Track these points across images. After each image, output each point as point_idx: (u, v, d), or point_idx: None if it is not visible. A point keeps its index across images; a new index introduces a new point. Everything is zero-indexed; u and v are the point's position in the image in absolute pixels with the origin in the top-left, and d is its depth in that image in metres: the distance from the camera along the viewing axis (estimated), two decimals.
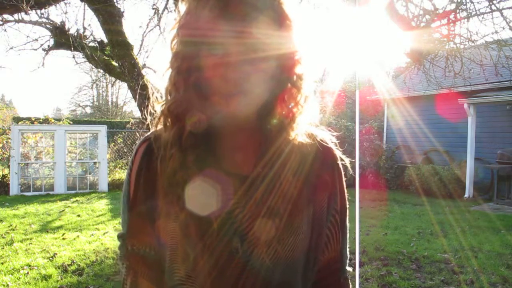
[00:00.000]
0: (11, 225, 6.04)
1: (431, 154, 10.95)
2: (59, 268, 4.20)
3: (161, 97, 0.76)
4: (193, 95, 0.71)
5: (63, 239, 5.35)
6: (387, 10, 4.77)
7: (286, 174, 0.74)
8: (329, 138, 0.83)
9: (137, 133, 11.82)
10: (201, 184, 0.73)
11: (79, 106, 30.42)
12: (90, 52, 5.39)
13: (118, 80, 7.96)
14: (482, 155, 9.28)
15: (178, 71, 0.71)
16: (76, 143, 10.91)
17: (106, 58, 5.78)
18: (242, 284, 0.72)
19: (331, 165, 0.81)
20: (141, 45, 6.62)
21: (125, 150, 11.95)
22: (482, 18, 5.03)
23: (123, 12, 5.01)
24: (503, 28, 5.03)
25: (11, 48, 6.39)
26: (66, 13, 7.35)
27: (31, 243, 5.12)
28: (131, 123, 13.11)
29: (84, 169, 10.35)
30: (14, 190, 9.07)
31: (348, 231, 0.86)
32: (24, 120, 10.17)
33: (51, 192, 9.37)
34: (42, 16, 5.83)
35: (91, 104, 30.48)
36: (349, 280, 0.88)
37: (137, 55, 5.78)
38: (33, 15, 5.53)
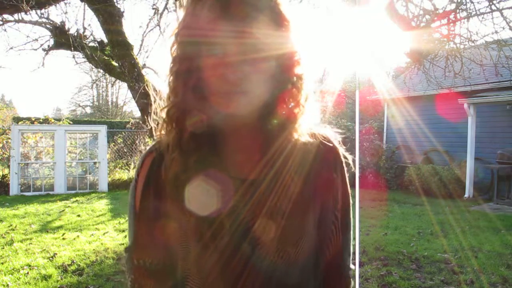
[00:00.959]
0: (11, 225, 6.04)
1: (431, 154, 10.95)
2: (59, 268, 4.20)
3: (164, 102, 0.77)
4: (192, 97, 0.71)
5: (63, 239, 5.35)
6: (387, 10, 4.77)
7: (289, 175, 0.74)
8: (333, 136, 0.82)
9: (137, 133, 11.83)
10: (203, 186, 0.73)
11: (79, 106, 30.44)
12: (90, 52, 5.39)
13: (118, 80, 7.97)
14: (482, 155, 9.28)
15: (177, 74, 0.71)
16: (76, 143, 10.91)
17: (106, 58, 5.78)
18: (244, 282, 0.72)
19: (334, 164, 0.81)
20: (141, 45, 6.64)
21: (125, 150, 11.94)
22: (482, 18, 5.03)
23: (123, 12, 5.02)
24: (503, 28, 5.03)
25: (11, 48, 6.40)
26: (66, 13, 7.36)
27: (31, 243, 5.12)
28: (131, 123, 13.10)
29: (84, 169, 10.35)
30: (14, 190, 9.07)
31: (351, 230, 0.86)
32: (24, 120, 10.18)
33: (51, 192, 9.37)
34: (42, 16, 5.83)
35: (91, 104, 30.50)
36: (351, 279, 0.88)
37: (137, 55, 5.79)
38: (33, 15, 5.54)
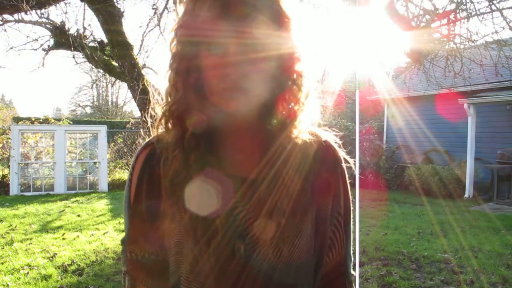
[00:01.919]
0: (11, 225, 6.04)
1: (431, 154, 10.95)
2: (59, 268, 4.20)
3: (162, 99, 0.76)
4: (192, 95, 0.70)
5: (63, 239, 5.35)
6: (387, 10, 4.78)
7: (288, 174, 0.74)
8: (333, 139, 0.82)
9: (137, 133, 11.83)
10: (202, 184, 0.72)
11: (79, 106, 30.43)
12: (90, 52, 5.39)
13: (118, 80, 7.96)
14: (482, 155, 9.28)
15: (177, 71, 0.71)
16: (76, 143, 10.91)
17: (106, 58, 5.78)
18: (243, 284, 0.72)
19: (334, 166, 0.81)
20: (141, 45, 6.63)
21: (125, 150, 11.95)
22: (482, 18, 5.03)
23: (123, 12, 5.01)
24: (503, 28, 5.04)
25: (11, 48, 6.40)
26: (66, 13, 7.36)
27: (31, 243, 5.12)
28: (131, 123, 13.10)
29: (84, 169, 10.35)
30: (14, 190, 9.07)
31: (351, 233, 0.86)
32: (24, 120, 10.17)
33: (51, 192, 9.37)
34: (42, 16, 5.83)
35: (91, 104, 30.50)
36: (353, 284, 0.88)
37: (137, 55, 5.79)
38: (33, 15, 5.53)
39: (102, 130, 10.03)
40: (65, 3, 5.91)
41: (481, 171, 9.20)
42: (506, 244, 5.18)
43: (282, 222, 0.73)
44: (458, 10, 5.02)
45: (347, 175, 0.83)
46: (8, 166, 9.49)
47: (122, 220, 6.40)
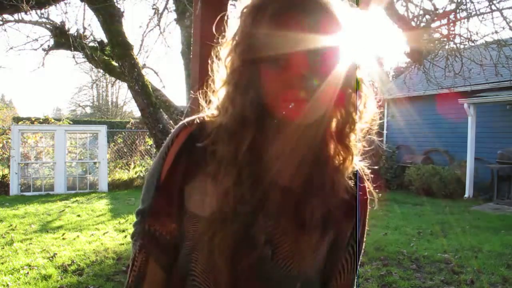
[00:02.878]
0: (11, 225, 6.04)
1: (431, 154, 10.95)
2: (59, 268, 4.20)
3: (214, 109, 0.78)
4: (250, 112, 0.71)
5: (63, 239, 5.35)
6: (387, 10, 4.77)
7: (321, 192, 0.75)
8: (363, 171, 0.86)
9: (137, 133, 11.83)
10: (248, 181, 0.73)
11: (79, 106, 30.42)
12: (90, 52, 5.39)
13: (118, 80, 7.96)
14: (482, 155, 9.27)
15: (236, 87, 0.72)
16: (76, 143, 10.90)
17: (106, 58, 5.78)
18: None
19: (363, 202, 0.84)
20: (141, 45, 6.64)
21: (125, 150, 11.94)
22: (482, 18, 5.03)
23: (123, 12, 5.01)
24: (503, 28, 5.04)
25: (11, 48, 6.41)
26: (66, 13, 7.37)
27: (31, 243, 5.12)
28: (131, 123, 13.10)
29: (84, 169, 10.35)
30: (14, 190, 9.07)
31: (360, 258, 0.88)
32: (24, 120, 10.17)
33: (51, 192, 9.36)
34: (42, 16, 5.83)
35: (91, 104, 30.49)
36: None
37: (137, 55, 5.80)
38: (33, 15, 5.53)
39: (102, 130, 10.03)
40: (65, 3, 5.91)
41: (481, 171, 9.20)
42: (506, 244, 5.18)
43: (306, 235, 0.74)
44: (458, 10, 5.02)
45: (368, 208, 0.85)
46: (8, 166, 9.49)
47: (122, 220, 6.41)
